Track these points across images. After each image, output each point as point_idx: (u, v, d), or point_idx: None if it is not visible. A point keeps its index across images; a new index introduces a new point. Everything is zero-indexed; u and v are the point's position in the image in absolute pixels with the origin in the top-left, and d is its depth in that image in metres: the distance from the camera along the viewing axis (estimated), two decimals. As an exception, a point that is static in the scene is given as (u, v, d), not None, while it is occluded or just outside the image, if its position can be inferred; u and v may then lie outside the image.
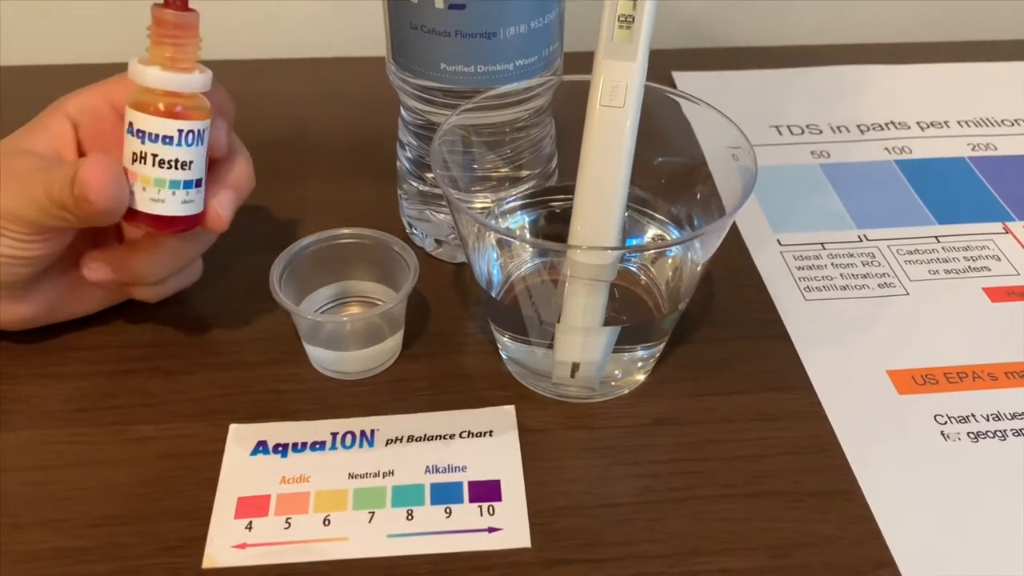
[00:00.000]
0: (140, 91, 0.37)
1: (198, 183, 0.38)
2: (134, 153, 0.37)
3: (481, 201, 0.45)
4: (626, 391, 0.42)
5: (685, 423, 0.40)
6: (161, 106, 0.37)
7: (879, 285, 0.47)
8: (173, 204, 0.38)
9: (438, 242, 0.48)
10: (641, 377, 0.42)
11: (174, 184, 0.37)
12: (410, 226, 0.49)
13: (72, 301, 0.43)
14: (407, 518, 0.36)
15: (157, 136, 0.37)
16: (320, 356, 0.42)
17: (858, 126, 0.59)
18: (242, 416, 0.40)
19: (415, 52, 0.42)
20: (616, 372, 0.41)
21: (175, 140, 0.37)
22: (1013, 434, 0.40)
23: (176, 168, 0.37)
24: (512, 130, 0.45)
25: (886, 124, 0.59)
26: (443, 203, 0.47)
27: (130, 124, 0.37)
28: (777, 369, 0.43)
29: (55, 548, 0.35)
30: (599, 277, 0.37)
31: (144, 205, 0.37)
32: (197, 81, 0.37)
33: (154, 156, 0.37)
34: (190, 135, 0.37)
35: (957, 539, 0.36)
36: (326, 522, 0.36)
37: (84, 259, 0.40)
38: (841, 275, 0.48)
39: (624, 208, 0.37)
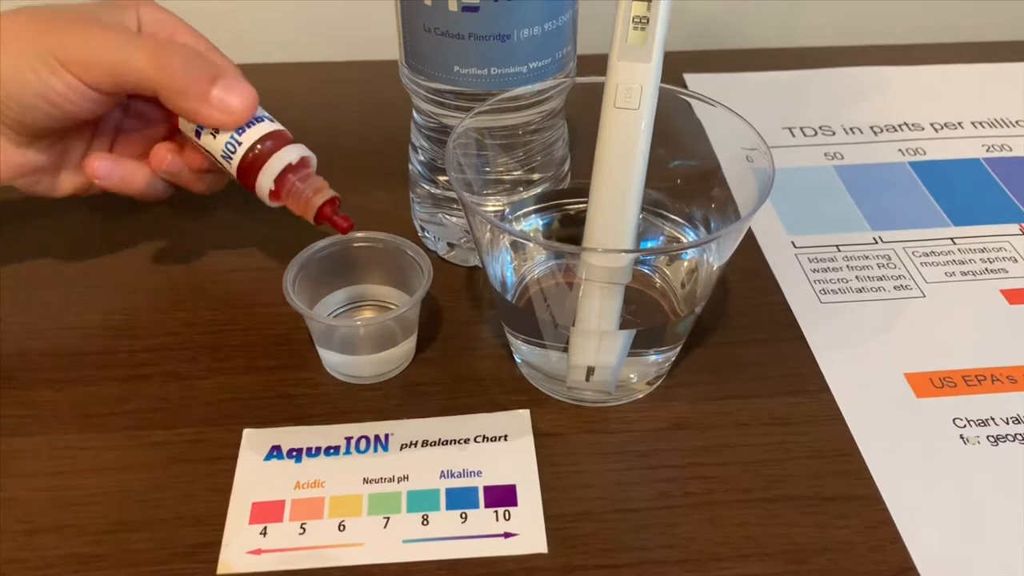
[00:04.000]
0: None
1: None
2: None
3: (493, 204, 0.45)
4: (641, 395, 0.41)
5: (701, 427, 0.40)
6: None
7: (895, 287, 0.47)
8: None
9: (450, 245, 0.48)
10: (657, 381, 0.42)
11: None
12: (422, 230, 0.49)
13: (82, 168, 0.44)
14: (422, 523, 0.36)
15: None
16: (334, 360, 0.42)
17: (871, 127, 0.59)
18: (256, 421, 0.40)
19: (428, 55, 0.42)
20: (631, 376, 0.41)
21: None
22: (1033, 437, 0.39)
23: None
24: (525, 133, 0.45)
25: (899, 125, 0.59)
26: (455, 206, 0.46)
27: None
28: (794, 372, 0.42)
29: (67, 554, 0.35)
30: (614, 280, 0.37)
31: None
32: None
33: None
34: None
35: (978, 544, 0.36)
36: (341, 527, 0.36)
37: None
38: (857, 277, 0.47)
39: (639, 210, 0.37)
